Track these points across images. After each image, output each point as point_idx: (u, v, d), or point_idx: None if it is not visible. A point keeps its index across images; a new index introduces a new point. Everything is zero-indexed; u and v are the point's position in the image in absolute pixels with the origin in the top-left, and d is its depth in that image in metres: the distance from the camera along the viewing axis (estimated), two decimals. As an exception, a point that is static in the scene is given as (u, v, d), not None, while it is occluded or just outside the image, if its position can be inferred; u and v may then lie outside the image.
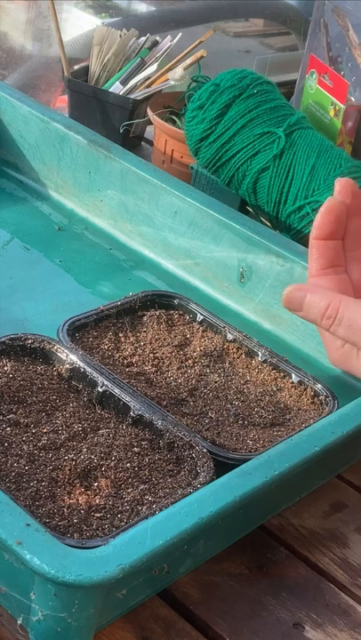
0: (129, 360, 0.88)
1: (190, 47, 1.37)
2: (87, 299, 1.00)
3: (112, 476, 0.74)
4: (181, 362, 0.89)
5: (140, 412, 0.79)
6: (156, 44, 1.40)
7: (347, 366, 0.66)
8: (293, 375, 0.89)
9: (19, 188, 1.21)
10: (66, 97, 1.40)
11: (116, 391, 0.81)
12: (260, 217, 1.16)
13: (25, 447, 0.75)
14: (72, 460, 0.74)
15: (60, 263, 1.07)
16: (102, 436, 0.78)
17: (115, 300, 0.94)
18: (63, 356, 0.84)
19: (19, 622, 0.66)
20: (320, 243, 0.66)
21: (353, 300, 0.63)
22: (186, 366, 0.89)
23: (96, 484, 0.73)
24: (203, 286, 1.06)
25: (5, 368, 0.82)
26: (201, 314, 0.96)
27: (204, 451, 0.76)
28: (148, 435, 0.79)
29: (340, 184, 0.66)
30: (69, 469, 0.73)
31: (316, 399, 0.87)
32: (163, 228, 1.08)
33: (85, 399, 0.82)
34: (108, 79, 1.37)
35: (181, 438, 0.77)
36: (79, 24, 1.75)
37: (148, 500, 0.72)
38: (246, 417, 0.84)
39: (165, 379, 0.87)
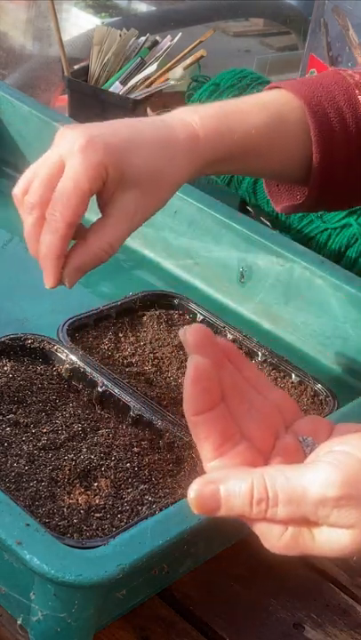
0: (129, 360, 0.88)
1: (190, 47, 1.37)
2: (87, 299, 1.00)
3: (112, 476, 0.74)
4: (181, 362, 0.89)
5: (139, 412, 0.79)
6: (155, 43, 1.40)
7: (299, 550, 0.53)
8: (293, 375, 0.89)
9: (19, 188, 1.20)
10: (66, 97, 1.40)
11: (116, 391, 0.81)
12: (260, 217, 1.16)
13: (25, 447, 0.75)
14: (72, 460, 0.74)
15: (59, 263, 1.07)
16: (102, 436, 0.78)
17: (115, 300, 0.94)
18: (63, 356, 0.84)
19: (18, 622, 0.66)
20: (202, 419, 0.52)
21: (275, 469, 0.52)
22: (186, 366, 0.89)
23: (96, 484, 0.73)
24: (203, 286, 1.06)
25: (5, 368, 0.82)
26: (201, 314, 0.96)
27: (204, 451, 0.76)
28: (148, 435, 0.79)
29: (193, 336, 0.53)
30: (69, 469, 0.73)
31: (316, 399, 0.87)
32: (163, 227, 1.08)
33: (85, 399, 0.82)
34: (108, 79, 1.37)
35: (181, 438, 0.77)
36: (79, 24, 1.75)
37: (148, 499, 0.72)
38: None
39: (165, 379, 0.87)
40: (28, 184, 0.73)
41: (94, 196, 0.73)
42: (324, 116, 0.80)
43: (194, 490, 0.51)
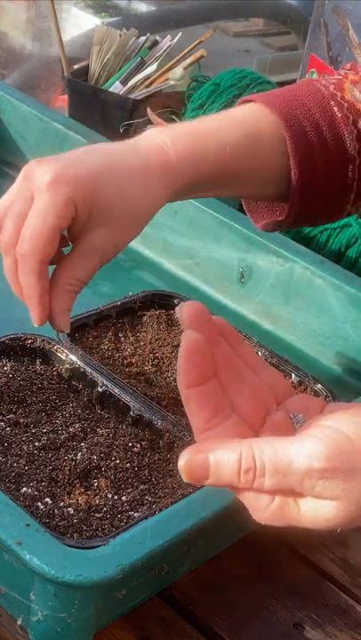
0: (129, 360, 0.88)
1: (190, 47, 1.37)
2: (87, 299, 1.00)
3: (112, 476, 0.74)
4: (181, 362, 0.89)
5: (139, 412, 0.79)
6: (155, 43, 1.40)
7: (285, 521, 0.54)
8: (293, 375, 0.89)
9: (19, 188, 1.20)
10: (66, 97, 1.40)
11: (116, 391, 0.81)
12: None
13: (25, 447, 0.75)
14: (72, 460, 0.74)
15: (59, 263, 1.07)
16: (102, 436, 0.78)
17: (115, 300, 0.94)
18: (63, 356, 0.84)
19: (18, 622, 0.66)
20: (195, 391, 0.54)
21: (264, 441, 0.53)
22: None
23: (96, 484, 0.73)
24: (203, 286, 1.06)
25: (5, 368, 0.82)
26: (201, 314, 0.95)
27: (204, 451, 0.76)
28: (147, 435, 0.79)
29: (189, 313, 0.56)
30: (69, 469, 0.73)
31: (316, 399, 0.87)
32: (163, 227, 1.08)
33: (85, 399, 0.82)
34: (108, 79, 1.37)
35: (181, 438, 0.77)
36: (79, 24, 1.75)
37: (148, 500, 0.72)
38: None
39: (165, 379, 0.87)
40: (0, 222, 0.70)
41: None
42: (301, 130, 0.77)
43: (184, 458, 0.53)
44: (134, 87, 1.35)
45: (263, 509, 0.53)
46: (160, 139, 0.72)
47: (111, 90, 1.34)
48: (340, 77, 0.82)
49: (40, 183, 0.67)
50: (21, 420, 0.78)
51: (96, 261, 0.70)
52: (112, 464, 0.75)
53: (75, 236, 0.70)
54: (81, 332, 0.90)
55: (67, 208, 0.67)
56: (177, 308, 0.56)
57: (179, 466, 0.53)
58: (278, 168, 0.78)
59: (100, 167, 0.69)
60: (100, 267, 0.71)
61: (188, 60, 1.32)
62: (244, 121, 0.77)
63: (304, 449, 0.52)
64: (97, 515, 0.70)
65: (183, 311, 0.56)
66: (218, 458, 0.52)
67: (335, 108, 0.78)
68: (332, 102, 0.79)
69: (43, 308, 0.70)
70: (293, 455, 0.51)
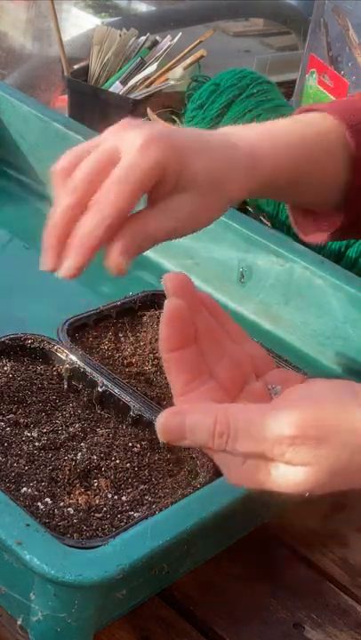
0: (129, 360, 0.88)
1: (190, 47, 1.37)
2: (87, 299, 1.00)
3: (112, 477, 0.74)
4: (181, 362, 0.89)
5: (139, 412, 0.79)
6: (155, 43, 1.40)
7: (255, 483, 0.56)
8: (293, 375, 0.89)
9: (19, 188, 1.20)
10: (66, 97, 1.40)
11: (116, 391, 0.81)
12: (260, 217, 1.16)
13: (25, 447, 0.75)
14: (72, 460, 0.74)
15: (59, 263, 1.07)
16: (102, 436, 0.78)
17: (115, 299, 0.94)
18: (63, 356, 0.84)
19: (18, 622, 0.66)
20: (175, 355, 0.58)
21: (239, 407, 0.56)
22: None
23: (96, 484, 0.73)
24: (203, 286, 1.06)
25: (5, 368, 0.82)
26: (201, 314, 0.95)
27: (205, 451, 0.76)
28: (147, 435, 0.79)
29: (172, 281, 0.59)
30: (69, 469, 0.73)
31: (316, 399, 0.87)
32: (163, 227, 1.08)
33: (85, 399, 0.82)
34: (108, 79, 1.37)
35: (181, 438, 0.77)
36: (79, 24, 1.75)
37: (148, 500, 0.72)
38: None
39: (165, 379, 0.86)
40: (70, 164, 0.67)
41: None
42: None
43: (161, 420, 0.56)
44: (134, 87, 1.35)
45: (235, 471, 0.56)
46: (246, 134, 0.72)
47: (111, 90, 1.34)
48: None
49: (132, 142, 0.65)
50: (21, 420, 0.78)
51: (172, 224, 0.68)
52: (112, 464, 0.75)
53: (154, 201, 0.67)
54: (81, 332, 0.90)
55: (155, 170, 0.65)
56: (162, 278, 0.59)
57: (156, 426, 0.56)
58: (343, 175, 0.78)
59: (193, 138, 0.68)
60: (168, 235, 0.68)
61: (188, 60, 1.32)
62: (318, 127, 0.77)
63: (276, 417, 0.53)
64: (97, 515, 0.70)
65: (167, 280, 0.59)
66: (194, 421, 0.55)
67: None
68: None
69: (84, 259, 0.65)
70: (265, 422, 0.53)
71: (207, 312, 0.61)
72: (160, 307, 0.96)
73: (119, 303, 0.94)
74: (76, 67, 1.39)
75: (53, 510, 0.70)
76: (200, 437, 0.55)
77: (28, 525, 0.63)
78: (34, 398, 0.81)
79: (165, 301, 0.57)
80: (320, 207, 0.83)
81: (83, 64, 1.40)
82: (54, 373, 0.84)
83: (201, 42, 1.37)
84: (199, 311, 0.60)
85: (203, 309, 0.60)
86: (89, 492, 0.72)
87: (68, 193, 0.66)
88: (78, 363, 0.83)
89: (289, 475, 0.54)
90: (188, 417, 0.55)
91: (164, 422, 0.56)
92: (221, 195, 0.70)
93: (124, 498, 0.72)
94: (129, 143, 0.66)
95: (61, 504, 0.70)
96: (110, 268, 0.66)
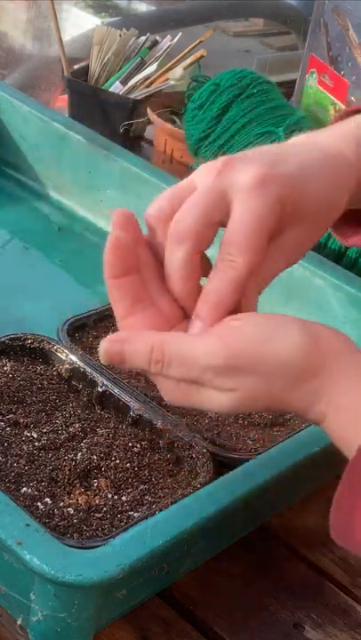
0: (129, 360, 0.88)
1: (190, 47, 1.37)
2: (87, 299, 1.00)
3: (112, 477, 0.74)
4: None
5: (139, 412, 0.79)
6: (155, 43, 1.40)
7: (187, 402, 0.61)
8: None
9: (18, 188, 1.20)
10: (66, 97, 1.40)
11: (116, 391, 0.81)
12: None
13: (25, 447, 0.75)
14: (72, 460, 0.74)
15: (59, 263, 1.07)
16: (102, 436, 0.78)
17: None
18: (63, 356, 0.84)
19: (18, 622, 0.66)
20: (118, 281, 0.61)
21: (174, 335, 0.60)
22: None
23: (96, 484, 0.73)
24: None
25: (5, 368, 0.82)
26: (201, 314, 0.95)
27: (204, 451, 0.76)
28: (147, 435, 0.79)
29: (117, 215, 0.61)
30: (69, 469, 0.73)
31: (316, 399, 0.87)
32: (163, 227, 1.08)
33: (85, 399, 0.82)
34: (108, 79, 1.37)
35: (181, 438, 0.77)
36: (79, 24, 1.75)
37: (148, 500, 0.72)
38: (246, 417, 0.84)
39: (165, 379, 0.87)
40: (170, 207, 0.62)
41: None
42: None
43: (103, 345, 0.60)
44: (134, 87, 1.35)
45: (171, 392, 0.61)
46: (336, 141, 0.66)
47: (111, 90, 1.34)
48: None
49: (244, 183, 0.60)
50: (21, 420, 0.78)
51: (283, 264, 0.64)
52: (112, 464, 0.75)
53: (270, 238, 0.62)
54: (81, 332, 0.90)
55: (279, 208, 0.60)
56: (112, 214, 0.62)
57: (99, 351, 0.60)
58: None
59: (300, 163, 0.62)
60: (286, 268, 0.65)
61: (188, 60, 1.32)
62: None
63: (204, 347, 0.58)
64: (97, 515, 0.70)
65: (113, 215, 0.62)
66: (132, 348, 0.59)
67: None
68: None
69: (217, 319, 0.61)
70: (196, 352, 0.58)
71: (150, 249, 0.63)
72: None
73: (119, 303, 0.93)
74: (76, 67, 1.39)
75: (53, 510, 0.70)
76: (138, 363, 0.59)
77: (27, 525, 0.63)
78: (34, 398, 0.81)
79: (109, 233, 0.61)
80: None
81: (83, 64, 1.40)
82: (54, 373, 0.84)
83: (201, 42, 1.37)
84: (143, 246, 0.63)
85: (146, 246, 0.63)
86: (89, 492, 0.72)
87: (176, 242, 0.61)
88: (78, 363, 0.83)
89: (216, 398, 0.59)
90: (127, 345, 0.60)
91: (106, 348, 0.60)
92: (333, 216, 0.65)
93: (124, 498, 0.72)
94: (241, 182, 0.60)
95: (61, 504, 0.70)
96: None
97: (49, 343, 0.85)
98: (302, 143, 0.67)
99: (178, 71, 1.30)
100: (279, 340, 0.58)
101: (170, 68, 1.34)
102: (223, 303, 0.61)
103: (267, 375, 0.58)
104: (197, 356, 0.58)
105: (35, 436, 0.76)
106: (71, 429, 0.78)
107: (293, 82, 1.44)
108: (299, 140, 0.68)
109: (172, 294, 0.62)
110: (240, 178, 0.60)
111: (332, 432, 0.59)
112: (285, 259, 0.64)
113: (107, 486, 0.73)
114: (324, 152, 0.65)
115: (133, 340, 0.60)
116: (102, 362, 0.61)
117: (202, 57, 1.31)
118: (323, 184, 0.63)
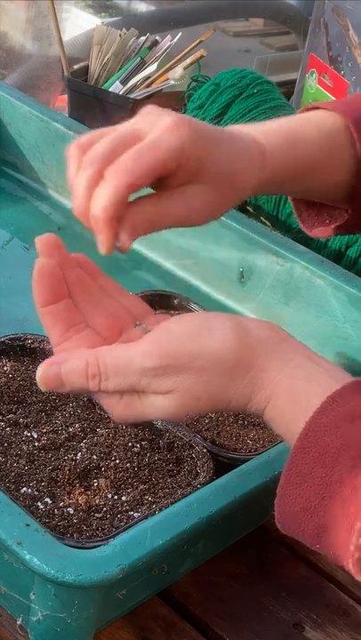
0: (129, 360, 0.88)
1: (190, 47, 1.37)
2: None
3: (112, 476, 0.74)
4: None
5: (139, 412, 0.79)
6: (155, 43, 1.40)
7: (133, 414, 0.60)
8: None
9: (18, 188, 1.20)
10: (66, 96, 1.40)
11: (116, 391, 0.81)
12: (260, 217, 1.16)
13: (25, 447, 0.75)
14: (72, 460, 0.74)
15: (59, 263, 1.07)
16: (102, 436, 0.78)
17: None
18: (63, 356, 0.84)
19: (18, 622, 0.66)
20: (48, 309, 0.62)
21: (106, 348, 0.60)
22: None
23: (96, 484, 0.73)
24: (203, 286, 1.06)
25: (5, 368, 0.82)
26: (201, 314, 0.96)
27: (204, 451, 0.76)
28: (147, 435, 0.79)
29: (42, 242, 0.62)
30: (69, 469, 0.73)
31: (316, 399, 0.87)
32: (163, 227, 1.08)
33: (85, 399, 0.82)
34: (108, 79, 1.37)
35: (181, 438, 0.77)
36: (79, 23, 1.75)
37: (148, 500, 0.72)
38: (246, 417, 0.84)
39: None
40: (89, 143, 0.66)
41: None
42: None
43: (39, 371, 0.59)
44: (134, 87, 1.35)
45: (115, 408, 0.60)
46: (253, 131, 0.73)
47: (111, 90, 1.34)
48: None
49: (158, 124, 0.65)
50: (21, 420, 0.78)
51: (184, 211, 0.68)
52: (112, 464, 0.75)
53: (169, 188, 0.67)
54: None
55: (178, 151, 0.64)
56: (35, 240, 0.62)
57: (36, 378, 0.59)
58: (349, 169, 0.78)
59: (211, 129, 0.69)
60: (183, 222, 0.69)
61: (188, 60, 1.32)
62: (320, 124, 0.78)
63: (138, 350, 0.59)
64: (97, 515, 0.70)
65: (38, 241, 0.62)
66: (68, 368, 0.59)
67: None
68: None
69: (112, 232, 0.64)
70: (130, 357, 0.58)
71: (81, 270, 0.64)
72: (160, 306, 0.96)
73: (119, 303, 0.93)
74: (76, 67, 1.39)
75: (53, 510, 0.70)
76: (76, 382, 0.59)
77: (27, 525, 0.63)
78: (34, 398, 0.81)
79: (35, 260, 0.61)
80: (329, 201, 0.83)
81: (83, 64, 1.40)
82: (54, 373, 0.84)
83: (201, 42, 1.37)
84: (71, 268, 0.63)
85: (75, 267, 0.64)
86: (89, 492, 0.72)
87: (87, 165, 0.64)
88: (78, 363, 0.83)
89: (158, 403, 0.59)
90: (62, 365, 0.59)
91: (42, 373, 0.59)
92: (234, 187, 0.70)
93: (124, 498, 0.72)
94: (156, 124, 0.65)
95: (61, 504, 0.70)
96: (116, 246, 0.65)
97: (49, 343, 0.85)
98: (226, 128, 0.72)
99: (178, 71, 1.30)
100: (209, 335, 0.59)
101: (170, 68, 1.34)
102: (107, 213, 0.62)
103: (202, 371, 0.58)
104: (132, 362, 0.58)
105: (35, 436, 0.76)
106: (71, 429, 0.78)
107: (293, 82, 1.44)
108: (238, 126, 0.74)
109: (104, 308, 0.63)
110: (157, 120, 0.66)
111: (272, 422, 0.60)
112: (185, 207, 0.68)
113: (107, 486, 0.73)
114: (237, 136, 0.71)
115: (68, 359, 0.59)
116: (41, 388, 0.60)
117: (202, 57, 1.31)
118: (226, 157, 0.69)
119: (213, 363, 0.59)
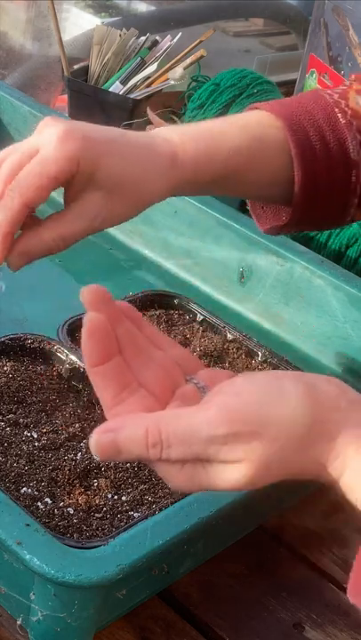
0: (129, 360, 0.88)
1: (190, 47, 1.37)
2: (87, 298, 1.00)
3: (112, 476, 0.74)
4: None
5: (139, 412, 0.79)
6: (155, 43, 1.40)
7: (197, 487, 0.56)
8: (293, 375, 0.89)
9: (19, 188, 1.20)
10: (66, 96, 1.40)
11: (116, 391, 0.81)
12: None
13: (25, 447, 0.75)
14: (72, 460, 0.74)
15: (59, 263, 1.07)
16: (102, 435, 0.78)
17: (115, 300, 0.94)
18: (63, 356, 0.84)
19: (18, 622, 0.66)
20: (100, 370, 0.57)
21: (168, 414, 0.56)
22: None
23: (96, 484, 0.73)
24: (203, 286, 1.06)
25: (5, 368, 0.82)
26: (201, 314, 0.96)
27: (204, 451, 0.76)
28: (147, 435, 0.79)
29: (90, 294, 0.59)
30: (69, 469, 0.73)
31: (316, 399, 0.87)
32: (163, 227, 1.08)
33: (85, 399, 0.82)
34: (108, 79, 1.37)
35: (181, 438, 0.77)
36: (79, 23, 1.75)
37: (147, 500, 0.72)
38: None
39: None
40: (2, 159, 0.70)
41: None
42: (305, 135, 0.77)
43: (94, 439, 0.55)
44: (134, 87, 1.35)
45: (175, 477, 0.55)
46: (170, 134, 0.73)
47: (111, 90, 1.34)
48: (346, 87, 0.83)
49: (48, 137, 0.68)
50: (21, 420, 0.78)
51: (85, 225, 0.70)
52: (112, 464, 0.75)
53: (70, 197, 0.70)
54: (81, 332, 0.89)
55: (69, 163, 0.67)
56: (80, 292, 0.59)
57: (90, 445, 0.55)
58: (283, 171, 0.78)
59: (111, 135, 0.70)
60: (84, 234, 0.71)
61: (188, 60, 1.32)
62: (250, 125, 0.78)
63: (205, 417, 0.54)
64: (97, 515, 0.70)
65: (84, 294, 0.59)
66: (125, 435, 0.54)
67: (339, 114, 0.79)
68: (336, 109, 0.80)
69: (4, 247, 0.69)
70: (196, 425, 0.54)
71: (129, 322, 0.60)
72: (160, 306, 0.96)
73: (119, 303, 0.93)
74: (76, 67, 1.39)
75: (53, 510, 0.70)
76: (135, 451, 0.54)
77: (27, 525, 0.63)
78: (34, 398, 0.81)
79: (84, 316, 0.58)
80: (268, 201, 0.84)
81: (83, 64, 1.40)
82: (54, 373, 0.84)
83: (201, 42, 1.37)
84: (120, 321, 0.60)
85: (124, 319, 0.60)
86: (89, 492, 0.72)
87: None
88: (78, 363, 0.83)
89: (226, 473, 0.54)
90: (119, 433, 0.55)
91: (96, 441, 0.55)
92: (139, 193, 0.71)
93: (124, 498, 0.72)
94: (46, 138, 0.68)
95: (61, 504, 0.70)
96: (8, 263, 0.70)
97: (49, 343, 0.85)
98: (140, 133, 0.74)
99: (178, 71, 1.30)
100: (280, 399, 0.55)
101: (170, 68, 1.34)
102: (1, 226, 0.67)
103: (275, 438, 0.54)
104: (198, 429, 0.54)
105: (35, 436, 0.76)
106: (71, 429, 0.78)
107: (293, 82, 1.44)
108: (152, 132, 0.75)
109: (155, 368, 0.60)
110: (47, 134, 0.68)
111: (350, 492, 0.56)
112: (86, 219, 0.70)
113: (107, 486, 0.73)
114: (141, 138, 0.72)
115: (125, 425, 0.55)
116: (95, 457, 0.55)
117: (202, 57, 1.31)
118: (126, 163, 0.70)
119: (287, 427, 0.54)
